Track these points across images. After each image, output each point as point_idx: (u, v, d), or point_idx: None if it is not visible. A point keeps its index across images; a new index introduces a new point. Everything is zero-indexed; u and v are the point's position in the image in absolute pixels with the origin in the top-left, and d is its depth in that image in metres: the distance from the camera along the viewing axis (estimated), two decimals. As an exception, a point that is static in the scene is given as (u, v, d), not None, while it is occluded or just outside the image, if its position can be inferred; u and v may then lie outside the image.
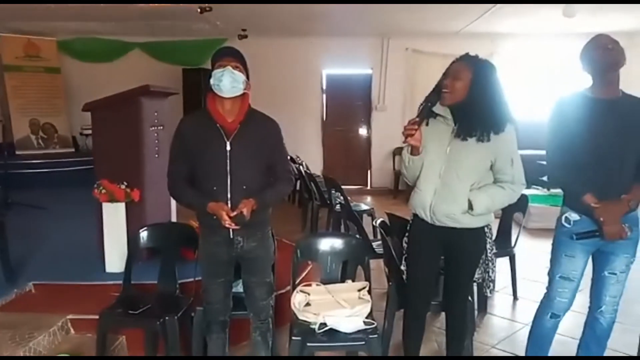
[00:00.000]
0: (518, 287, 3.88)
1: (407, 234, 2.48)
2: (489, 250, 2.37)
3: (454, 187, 2.22)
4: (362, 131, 9.17)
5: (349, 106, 9.12)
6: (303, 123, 8.77)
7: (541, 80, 8.02)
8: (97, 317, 2.63)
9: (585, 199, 2.23)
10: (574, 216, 2.31)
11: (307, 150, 8.34)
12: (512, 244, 3.79)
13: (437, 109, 2.24)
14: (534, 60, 8.21)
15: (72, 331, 2.98)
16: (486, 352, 3.10)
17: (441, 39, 7.95)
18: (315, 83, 8.92)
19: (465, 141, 2.19)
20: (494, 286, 2.51)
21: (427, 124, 2.23)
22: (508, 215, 3.89)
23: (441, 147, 2.24)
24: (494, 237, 3.81)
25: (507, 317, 3.60)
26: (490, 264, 2.39)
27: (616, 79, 2.25)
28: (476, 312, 3.31)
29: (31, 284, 3.35)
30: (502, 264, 3.90)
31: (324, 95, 9.02)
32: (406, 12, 6.58)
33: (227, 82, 2.18)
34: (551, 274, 2.41)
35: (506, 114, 2.22)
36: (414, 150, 2.24)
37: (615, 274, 2.32)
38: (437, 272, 2.42)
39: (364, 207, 5.44)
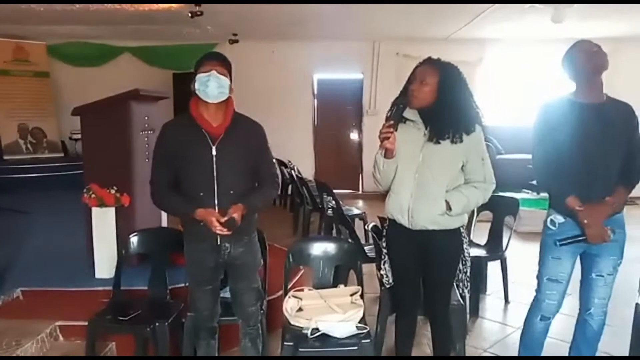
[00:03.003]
0: (509, 291, 3.90)
1: (383, 239, 2.48)
2: (465, 250, 2.38)
3: (430, 190, 2.24)
4: (354, 136, 9.19)
5: (340, 111, 9.15)
6: (294, 127, 8.78)
7: (530, 85, 8.10)
8: (86, 323, 2.60)
9: (568, 201, 2.25)
10: (559, 218, 2.34)
11: (299, 154, 8.34)
12: (504, 247, 3.81)
13: (407, 113, 2.26)
14: (523, 66, 8.29)
15: (61, 338, 2.94)
16: (478, 355, 3.10)
17: (431, 44, 7.92)
18: (306, 88, 8.93)
19: (439, 144, 2.22)
20: (470, 286, 2.52)
21: (395, 129, 2.21)
22: (499, 219, 3.90)
23: (414, 151, 2.26)
24: (485, 242, 3.89)
25: (498, 321, 3.61)
26: (467, 264, 2.40)
27: (600, 83, 2.29)
28: (468, 316, 3.31)
29: (19, 290, 3.30)
30: (494, 267, 3.92)
31: (315, 100, 9.04)
32: (396, 16, 6.61)
33: (214, 87, 2.15)
34: (539, 276, 2.43)
35: (475, 115, 2.26)
36: (388, 154, 2.24)
37: (602, 276, 2.35)
38: (420, 274, 2.41)
39: (355, 211, 5.44)
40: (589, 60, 2.22)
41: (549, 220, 2.38)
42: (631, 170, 2.28)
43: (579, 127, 2.24)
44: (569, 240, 2.27)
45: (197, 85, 2.17)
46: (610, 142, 2.24)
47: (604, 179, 2.25)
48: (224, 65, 2.21)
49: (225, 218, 2.14)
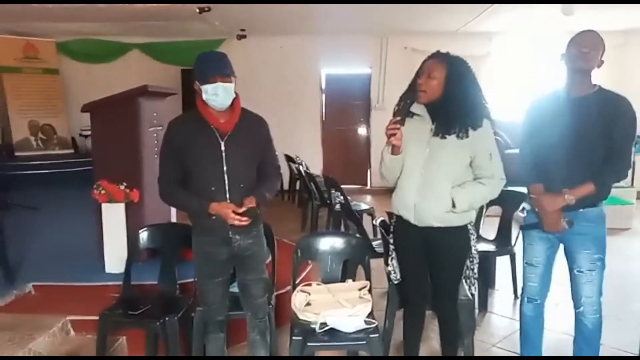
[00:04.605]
0: (518, 286, 3.87)
1: (391, 235, 2.47)
2: (472, 248, 2.36)
3: (436, 186, 2.22)
4: (362, 131, 9.17)
5: (348, 106, 9.12)
6: (302, 123, 8.78)
7: (538, 78, 8.00)
8: (97, 318, 2.63)
9: (531, 189, 2.36)
10: (527, 206, 2.49)
11: (307, 150, 8.34)
12: (513, 242, 3.79)
13: (414, 107, 2.24)
14: (532, 59, 8.20)
15: (72, 332, 2.98)
16: (486, 350, 3.10)
17: (439, 38, 7.87)
18: (314, 83, 8.92)
19: (445, 139, 2.19)
20: (478, 283, 2.52)
21: (402, 125, 2.18)
22: (508, 214, 3.88)
23: (420, 146, 2.24)
24: (494, 237, 3.88)
25: (507, 316, 3.60)
26: (474, 261, 2.39)
27: (587, 78, 2.27)
28: (477, 311, 3.31)
29: (31, 285, 3.34)
30: (503, 262, 3.90)
31: (323, 95, 9.02)
32: (404, 11, 6.57)
33: (222, 98, 2.21)
34: (522, 261, 2.56)
35: (483, 109, 2.24)
36: (395, 150, 2.22)
37: (582, 272, 2.33)
38: (427, 270, 2.40)
39: (363, 206, 5.44)
40: (577, 58, 2.22)
41: (521, 207, 2.55)
42: (604, 168, 2.24)
43: (559, 120, 2.26)
44: (529, 226, 2.43)
45: (205, 96, 2.20)
46: (585, 135, 2.22)
47: (582, 173, 2.23)
48: (226, 72, 2.21)
49: (244, 209, 2.19)
